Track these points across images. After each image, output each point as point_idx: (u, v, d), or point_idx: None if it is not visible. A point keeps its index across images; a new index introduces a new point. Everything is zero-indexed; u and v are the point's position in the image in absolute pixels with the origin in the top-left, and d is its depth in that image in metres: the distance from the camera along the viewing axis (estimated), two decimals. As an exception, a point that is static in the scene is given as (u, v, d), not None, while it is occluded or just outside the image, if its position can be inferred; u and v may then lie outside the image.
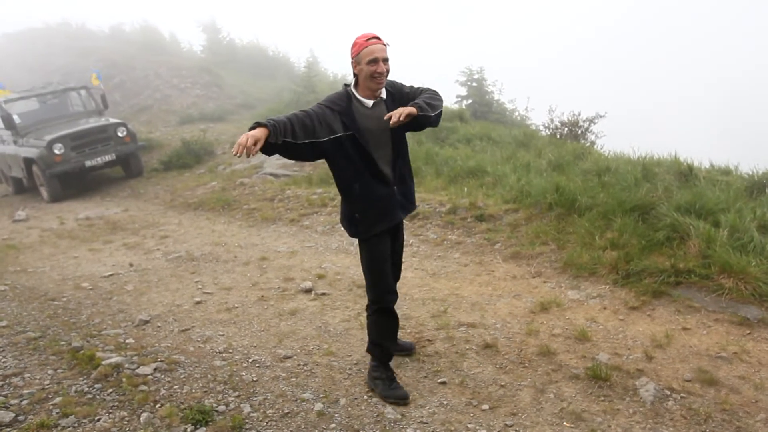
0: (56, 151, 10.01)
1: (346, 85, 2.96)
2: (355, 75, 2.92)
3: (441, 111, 2.98)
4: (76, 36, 24.64)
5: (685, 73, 44.94)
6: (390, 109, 2.87)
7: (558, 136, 10.49)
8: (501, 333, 3.81)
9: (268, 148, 2.68)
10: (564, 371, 3.30)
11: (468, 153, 8.56)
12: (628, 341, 3.58)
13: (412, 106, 2.77)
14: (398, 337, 3.49)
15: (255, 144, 2.52)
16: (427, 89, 3.06)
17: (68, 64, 20.90)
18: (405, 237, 5.92)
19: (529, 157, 8.09)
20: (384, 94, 2.96)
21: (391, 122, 2.69)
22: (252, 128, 2.60)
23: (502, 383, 3.23)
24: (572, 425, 2.83)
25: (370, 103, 2.91)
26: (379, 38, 2.83)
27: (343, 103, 2.89)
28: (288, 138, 2.71)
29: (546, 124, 11.05)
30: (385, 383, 3.17)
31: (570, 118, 10.70)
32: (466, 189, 6.89)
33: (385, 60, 2.82)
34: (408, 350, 3.63)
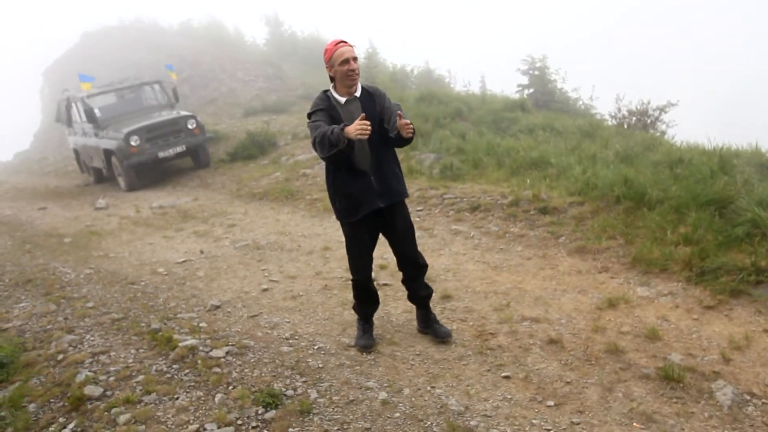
0: (133, 143, 10.60)
1: (325, 91, 3.38)
2: (331, 77, 3.34)
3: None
4: (148, 32, 25.85)
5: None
6: (365, 105, 3.30)
7: (625, 126, 10.09)
8: (566, 329, 3.74)
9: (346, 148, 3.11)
10: (633, 370, 3.21)
11: (530, 144, 8.36)
12: (703, 342, 3.44)
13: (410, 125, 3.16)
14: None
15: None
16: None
17: (140, 60, 21.99)
18: (466, 229, 5.91)
19: (595, 147, 7.82)
20: (359, 93, 3.35)
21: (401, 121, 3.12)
22: (342, 129, 3.06)
23: (568, 380, 3.18)
24: (642, 426, 2.76)
25: (343, 99, 3.33)
26: (345, 42, 3.26)
27: (325, 104, 3.33)
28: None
29: (613, 114, 10.64)
30: (358, 333, 3.79)
31: (639, 107, 10.25)
32: (528, 181, 6.76)
33: (355, 59, 3.24)
34: (442, 337, 3.70)
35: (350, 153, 3.17)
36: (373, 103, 3.36)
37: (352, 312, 4.26)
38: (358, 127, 2.99)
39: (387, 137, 3.38)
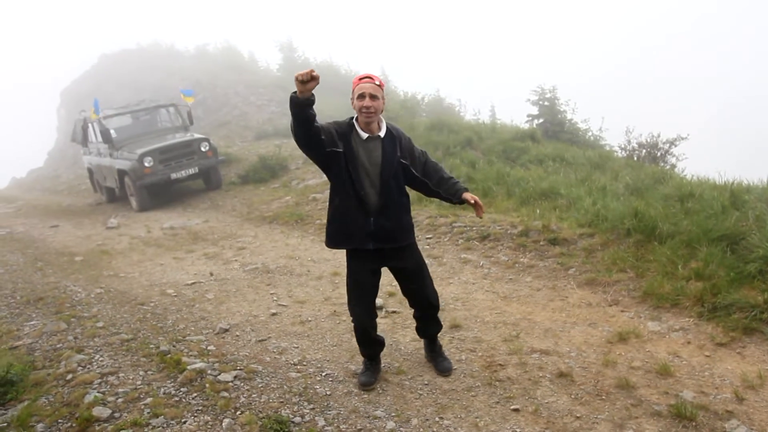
0: (146, 164, 10.76)
1: (352, 118, 3.31)
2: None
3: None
4: (165, 56, 26.44)
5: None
6: (386, 147, 3.27)
7: (635, 159, 10.13)
8: (576, 362, 3.72)
9: (305, 108, 2.94)
10: (645, 407, 3.17)
11: (540, 174, 8.41)
12: (716, 379, 3.40)
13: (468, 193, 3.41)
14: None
15: (313, 76, 2.82)
16: (435, 163, 3.53)
17: (157, 82, 22.46)
18: (475, 258, 5.92)
19: (605, 179, 7.85)
20: (383, 133, 3.29)
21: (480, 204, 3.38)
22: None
23: (578, 414, 3.15)
24: (654, 465, 2.72)
25: (365, 135, 3.25)
26: (372, 78, 3.19)
27: (344, 129, 3.26)
28: (313, 112, 3.01)
29: (623, 146, 10.70)
30: (362, 368, 3.67)
31: (648, 140, 10.32)
32: (538, 211, 6.78)
33: (373, 96, 3.15)
34: (442, 371, 3.66)
35: (309, 108, 2.96)
36: (394, 146, 3.31)
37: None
38: (299, 77, 2.83)
39: (401, 183, 3.38)
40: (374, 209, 3.30)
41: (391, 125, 3.39)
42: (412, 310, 3.74)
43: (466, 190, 3.46)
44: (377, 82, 3.18)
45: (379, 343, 3.67)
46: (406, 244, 3.46)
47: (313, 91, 2.93)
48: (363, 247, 3.33)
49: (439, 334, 3.85)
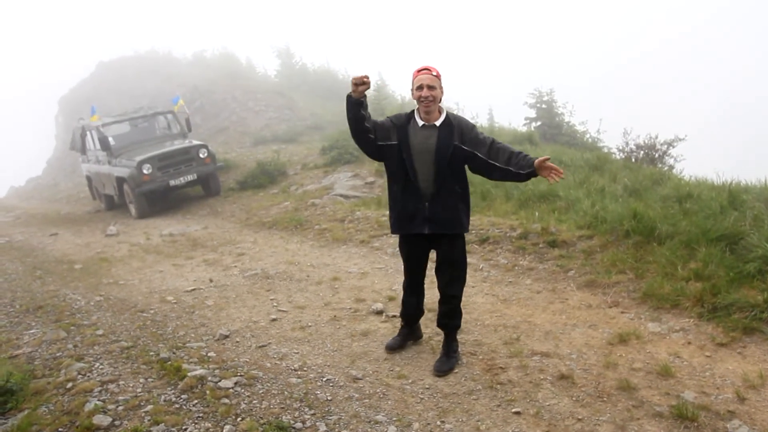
0: (145, 171, 10.76)
1: (413, 110, 3.57)
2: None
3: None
4: (163, 63, 26.49)
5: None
6: (441, 134, 3.44)
7: (633, 160, 10.14)
8: (577, 364, 3.71)
9: (357, 107, 3.33)
10: (646, 408, 3.17)
11: (539, 177, 8.40)
12: (717, 380, 3.40)
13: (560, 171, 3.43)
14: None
15: (365, 81, 3.21)
16: (504, 144, 3.55)
17: (154, 89, 22.50)
18: (475, 261, 5.92)
19: (604, 181, 7.86)
20: (440, 122, 3.47)
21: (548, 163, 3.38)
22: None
23: (580, 417, 3.15)
24: (656, 466, 2.71)
25: (420, 123, 3.49)
26: (429, 69, 3.41)
27: (402, 121, 3.54)
28: (365, 111, 3.38)
29: (620, 147, 10.71)
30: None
31: (646, 141, 10.32)
32: (537, 213, 6.79)
33: (431, 87, 3.37)
34: (435, 370, 3.72)
35: (361, 108, 3.33)
36: (451, 133, 3.46)
37: (361, 344, 4.27)
38: (354, 81, 3.22)
39: (458, 171, 3.52)
40: (429, 195, 3.50)
41: (452, 114, 3.55)
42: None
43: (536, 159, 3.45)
44: (434, 73, 3.39)
45: (419, 311, 4.02)
46: (456, 233, 3.62)
47: (365, 93, 3.32)
48: (421, 232, 3.56)
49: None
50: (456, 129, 3.48)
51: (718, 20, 51.91)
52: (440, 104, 3.52)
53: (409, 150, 3.46)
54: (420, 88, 3.38)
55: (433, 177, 3.47)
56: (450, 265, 3.68)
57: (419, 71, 3.42)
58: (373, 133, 3.46)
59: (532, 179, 3.71)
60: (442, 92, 3.46)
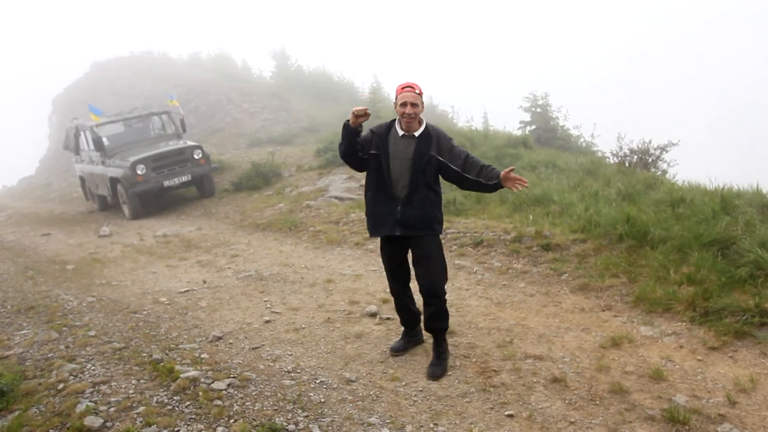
0: (138, 172, 10.71)
1: (394, 120, 3.77)
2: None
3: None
4: (158, 64, 26.39)
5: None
6: (419, 144, 3.66)
7: (627, 165, 10.18)
8: (569, 367, 3.72)
9: (353, 136, 3.62)
10: (638, 411, 3.18)
11: (533, 180, 8.46)
12: (708, 384, 3.42)
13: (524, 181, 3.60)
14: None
15: (366, 113, 3.48)
16: (476, 158, 3.77)
17: (149, 89, 22.41)
18: (469, 264, 5.93)
19: (597, 185, 7.90)
20: (418, 133, 3.67)
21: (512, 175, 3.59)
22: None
23: (572, 420, 3.16)
24: (648, 469, 2.73)
25: (401, 133, 3.69)
26: (412, 87, 3.61)
27: (382, 130, 3.75)
28: (359, 138, 3.68)
29: (614, 152, 10.75)
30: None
31: (640, 146, 10.36)
32: (531, 217, 6.81)
33: (414, 104, 3.58)
34: (428, 375, 3.74)
35: (357, 137, 3.62)
36: (428, 144, 3.67)
37: (355, 346, 4.27)
38: (355, 112, 3.47)
39: (431, 179, 3.70)
40: (402, 199, 3.68)
41: (431, 126, 3.74)
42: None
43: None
44: (417, 91, 3.62)
45: (413, 314, 4.09)
46: (427, 234, 3.74)
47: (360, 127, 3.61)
48: (392, 234, 3.72)
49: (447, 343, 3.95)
50: (434, 140, 3.69)
51: (718, 24, 52.32)
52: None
53: (387, 157, 3.67)
54: (404, 105, 3.59)
55: (407, 183, 3.66)
56: (425, 259, 3.75)
57: (403, 88, 3.63)
58: (361, 150, 3.71)
59: (528, 182, 3.80)
60: (422, 107, 3.66)
